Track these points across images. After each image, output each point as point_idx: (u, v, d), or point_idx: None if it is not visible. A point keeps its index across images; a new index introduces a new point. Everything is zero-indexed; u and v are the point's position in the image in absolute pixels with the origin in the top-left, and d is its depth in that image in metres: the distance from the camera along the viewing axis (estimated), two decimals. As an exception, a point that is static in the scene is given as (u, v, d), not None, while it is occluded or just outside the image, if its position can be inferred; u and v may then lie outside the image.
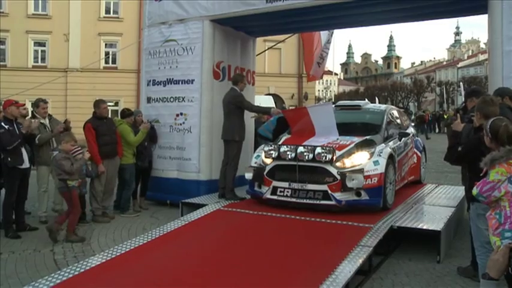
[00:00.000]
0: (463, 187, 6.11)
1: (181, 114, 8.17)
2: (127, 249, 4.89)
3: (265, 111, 7.76)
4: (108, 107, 8.27)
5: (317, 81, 56.92)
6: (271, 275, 4.17)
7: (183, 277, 4.19)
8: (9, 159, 6.23)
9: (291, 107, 26.71)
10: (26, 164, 6.47)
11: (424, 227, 5.50)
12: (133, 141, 7.59)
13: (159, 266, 4.49)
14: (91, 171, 7.12)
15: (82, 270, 4.28)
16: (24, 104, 7.13)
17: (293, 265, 4.40)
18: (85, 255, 5.39)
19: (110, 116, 7.91)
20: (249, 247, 5.02)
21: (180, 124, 8.14)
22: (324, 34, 12.90)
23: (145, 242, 5.16)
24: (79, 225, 6.83)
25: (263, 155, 6.62)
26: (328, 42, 13.19)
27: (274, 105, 20.33)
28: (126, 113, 7.95)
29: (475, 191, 3.44)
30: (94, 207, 7.27)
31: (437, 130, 39.02)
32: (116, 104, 27.23)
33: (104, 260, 4.57)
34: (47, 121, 7.23)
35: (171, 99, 8.31)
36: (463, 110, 5.66)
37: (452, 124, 4.76)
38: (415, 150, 8.33)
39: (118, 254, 4.76)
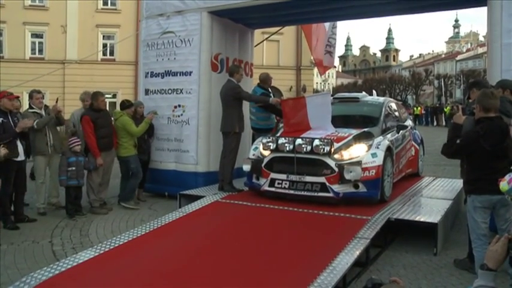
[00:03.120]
0: (461, 180, 6.13)
1: (179, 106, 8.15)
2: (125, 241, 4.90)
3: (264, 100, 7.73)
4: (106, 99, 8.24)
5: (315, 74, 56.77)
6: (269, 266, 4.18)
7: (180, 268, 4.20)
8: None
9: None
10: (21, 157, 6.43)
11: (422, 220, 5.52)
12: (136, 132, 7.52)
13: (157, 258, 4.49)
14: (89, 164, 7.12)
15: (80, 261, 4.30)
16: (18, 96, 7.06)
17: (291, 257, 4.42)
18: (83, 247, 5.41)
19: (107, 108, 7.86)
20: (247, 239, 5.04)
21: (178, 116, 8.13)
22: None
23: (143, 233, 5.17)
24: (76, 217, 6.85)
25: (261, 146, 6.61)
26: (334, 26, 12.24)
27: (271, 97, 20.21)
28: (126, 105, 7.83)
29: (506, 186, 3.28)
30: (92, 199, 7.27)
31: (435, 123, 39.09)
32: (114, 96, 27.20)
33: (102, 252, 4.58)
34: (43, 112, 7.24)
35: (169, 91, 8.29)
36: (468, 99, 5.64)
37: (453, 116, 4.75)
38: (413, 143, 8.34)
39: (116, 245, 4.77)
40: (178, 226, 5.56)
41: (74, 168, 6.92)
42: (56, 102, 7.29)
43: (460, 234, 5.97)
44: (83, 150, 7.26)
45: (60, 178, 6.96)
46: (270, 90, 8.22)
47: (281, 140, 6.33)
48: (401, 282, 2.01)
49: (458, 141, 4.31)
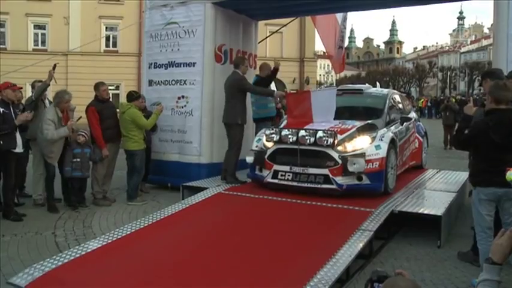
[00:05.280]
0: (465, 173, 6.09)
1: (182, 97, 8.12)
2: (128, 232, 4.90)
3: (269, 93, 7.68)
4: (109, 91, 8.18)
5: (318, 66, 56.58)
6: (271, 258, 4.18)
7: (183, 260, 4.21)
8: (1, 142, 6.07)
9: (291, 91, 26.56)
10: (20, 149, 6.38)
11: (425, 212, 5.50)
12: (147, 125, 7.37)
13: (160, 249, 4.50)
14: (95, 156, 7.09)
15: (83, 253, 4.31)
16: (22, 87, 7.02)
17: (293, 249, 4.41)
18: (86, 238, 5.42)
19: (111, 99, 7.79)
20: (250, 231, 5.03)
21: (182, 107, 8.10)
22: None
23: (146, 225, 5.17)
24: (79, 209, 6.84)
25: (264, 138, 6.59)
26: (345, 19, 11.75)
27: (275, 89, 20.19)
28: (134, 96, 7.59)
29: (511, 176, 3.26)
30: (95, 190, 7.26)
31: (438, 116, 38.98)
32: (117, 87, 27.18)
33: (104, 243, 4.58)
34: (47, 102, 7.30)
35: (173, 82, 8.27)
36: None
37: (464, 107, 4.67)
38: (417, 135, 8.31)
39: (119, 236, 4.77)
40: (181, 218, 5.56)
41: (78, 159, 6.88)
42: (53, 68, 7.08)
43: (463, 226, 5.95)
44: (90, 142, 7.20)
45: (65, 169, 6.91)
46: (265, 77, 8.11)
47: (284, 132, 6.31)
48: (407, 274, 1.99)
49: (466, 131, 4.26)
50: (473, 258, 4.64)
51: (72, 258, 4.18)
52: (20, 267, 4.39)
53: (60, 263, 4.05)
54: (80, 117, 7.27)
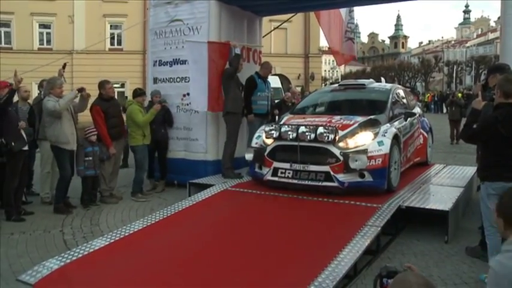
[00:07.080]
0: (472, 167, 6.03)
1: (188, 94, 8.11)
2: (135, 230, 4.92)
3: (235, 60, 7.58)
4: (114, 88, 8.19)
5: (323, 62, 56.29)
6: (279, 254, 4.18)
7: (189, 258, 4.21)
8: (13, 144, 6.07)
9: (297, 87, 26.52)
10: (27, 147, 6.39)
11: (433, 207, 5.47)
12: (140, 122, 7.40)
13: (166, 247, 4.52)
14: (103, 154, 7.11)
15: (91, 250, 4.33)
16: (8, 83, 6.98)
17: (301, 245, 4.41)
18: (94, 236, 5.44)
19: (116, 97, 7.82)
20: (256, 228, 5.03)
21: (187, 104, 8.09)
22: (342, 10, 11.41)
23: (152, 222, 5.19)
24: (90, 207, 6.86)
25: (264, 135, 6.48)
26: (351, 11, 11.52)
27: (280, 86, 20.18)
28: (137, 93, 7.70)
29: None
30: (102, 188, 7.29)
31: (444, 110, 38.76)
32: (122, 85, 27.21)
33: (112, 240, 4.61)
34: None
35: (178, 80, 8.26)
36: (484, 86, 5.42)
37: (473, 101, 4.63)
38: (422, 131, 8.15)
39: (126, 234, 4.79)
40: (187, 215, 5.56)
41: (90, 158, 6.92)
42: (63, 67, 7.09)
43: (471, 222, 5.92)
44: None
45: (78, 168, 6.90)
46: (262, 75, 8.07)
47: (284, 128, 6.18)
48: (416, 269, 1.98)
49: (475, 126, 4.23)
50: (481, 253, 4.62)
51: (80, 255, 4.21)
52: (29, 264, 4.42)
53: (68, 261, 4.08)
54: (83, 89, 6.85)
